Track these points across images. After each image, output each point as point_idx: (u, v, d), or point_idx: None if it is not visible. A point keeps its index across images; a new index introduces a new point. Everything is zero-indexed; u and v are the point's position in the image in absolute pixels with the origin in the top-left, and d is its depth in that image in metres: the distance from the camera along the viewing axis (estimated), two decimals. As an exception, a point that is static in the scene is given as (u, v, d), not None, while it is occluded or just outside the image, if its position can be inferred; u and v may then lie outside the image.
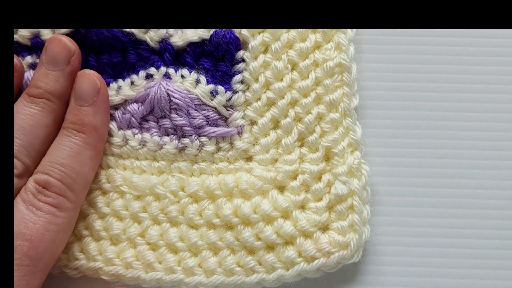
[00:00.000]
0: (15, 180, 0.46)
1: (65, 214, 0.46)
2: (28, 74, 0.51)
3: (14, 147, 0.46)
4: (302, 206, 0.51)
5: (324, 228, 0.50)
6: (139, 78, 0.51)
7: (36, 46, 0.51)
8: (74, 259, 0.51)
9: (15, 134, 0.46)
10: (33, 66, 0.51)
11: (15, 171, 0.46)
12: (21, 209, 0.45)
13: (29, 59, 0.52)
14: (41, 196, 0.46)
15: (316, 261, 0.49)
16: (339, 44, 0.51)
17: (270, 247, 0.50)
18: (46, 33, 0.51)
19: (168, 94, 0.50)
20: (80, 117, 0.48)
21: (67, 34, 0.51)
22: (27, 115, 0.47)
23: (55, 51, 0.48)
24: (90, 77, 0.49)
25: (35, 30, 0.51)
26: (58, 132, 0.49)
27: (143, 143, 0.51)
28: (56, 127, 0.49)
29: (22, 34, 0.51)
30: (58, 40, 0.49)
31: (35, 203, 0.46)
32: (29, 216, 0.45)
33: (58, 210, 0.46)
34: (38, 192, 0.46)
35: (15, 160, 0.46)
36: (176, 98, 0.50)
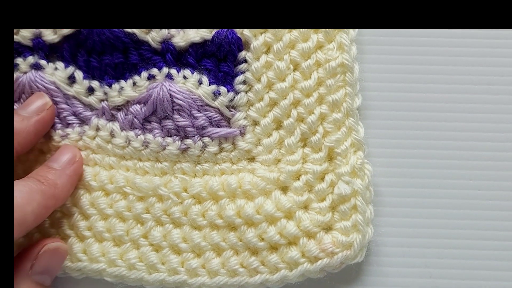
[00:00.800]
0: None
1: None
2: (30, 75, 0.51)
3: None
4: (305, 207, 0.51)
5: (328, 228, 0.50)
6: (141, 79, 0.51)
7: (38, 47, 0.51)
8: (77, 260, 0.51)
9: None
10: (34, 66, 0.51)
11: None
12: None
13: (30, 59, 0.51)
14: None
15: (319, 262, 0.50)
16: (341, 44, 0.50)
17: (274, 247, 0.50)
18: (47, 34, 0.51)
19: (170, 95, 0.50)
20: (46, 173, 0.49)
21: (69, 34, 0.51)
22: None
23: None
24: (72, 150, 0.51)
25: (36, 30, 0.51)
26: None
27: (145, 144, 0.51)
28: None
29: (24, 35, 0.51)
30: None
31: None
32: None
33: None
34: None
35: None
36: (178, 99, 0.50)
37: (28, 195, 0.47)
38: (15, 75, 0.51)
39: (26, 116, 0.49)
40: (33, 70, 0.51)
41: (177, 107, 0.50)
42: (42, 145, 0.52)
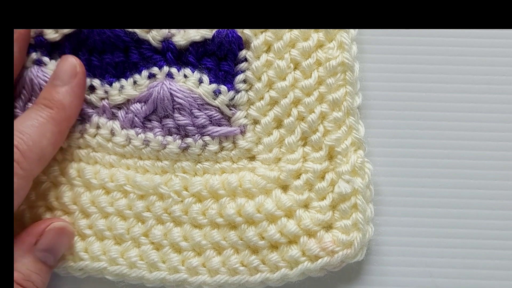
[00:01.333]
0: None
1: (14, 179, 0.46)
2: (33, 70, 0.51)
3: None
4: (306, 205, 0.51)
5: (328, 227, 0.51)
6: (141, 78, 0.51)
7: (40, 44, 0.51)
8: (79, 259, 0.51)
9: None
10: (37, 62, 0.51)
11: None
12: None
13: (34, 55, 0.51)
14: None
15: (320, 260, 0.50)
16: (342, 43, 0.51)
17: (274, 246, 0.50)
18: (49, 32, 0.51)
19: (171, 93, 0.50)
20: (52, 94, 0.49)
21: (70, 33, 0.51)
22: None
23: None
24: (71, 61, 0.50)
25: (38, 29, 0.51)
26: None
27: (146, 142, 0.51)
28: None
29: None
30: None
31: None
32: None
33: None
34: None
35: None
36: (179, 98, 0.50)
37: (40, 128, 0.48)
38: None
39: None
40: (35, 66, 0.51)
41: (178, 106, 0.50)
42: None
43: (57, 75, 0.50)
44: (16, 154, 0.46)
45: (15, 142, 0.46)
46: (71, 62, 0.50)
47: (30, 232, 0.48)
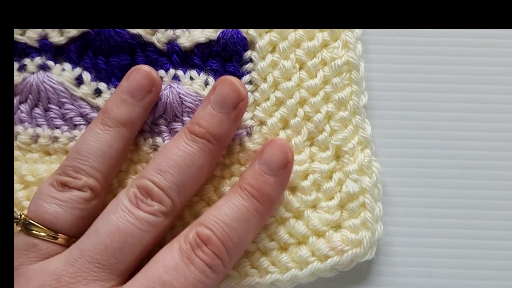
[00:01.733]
0: (162, 218, 0.44)
1: (216, 277, 0.44)
2: (38, 75, 0.51)
3: (167, 183, 0.45)
4: (314, 206, 0.51)
5: (337, 226, 0.50)
6: (148, 81, 0.51)
7: (44, 48, 0.51)
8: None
9: (170, 171, 0.45)
10: (42, 67, 0.51)
11: (163, 209, 0.44)
12: (176, 258, 0.43)
13: (38, 60, 0.51)
14: (199, 251, 0.43)
15: (329, 260, 0.49)
16: (347, 42, 0.51)
17: (283, 247, 0.50)
18: (54, 35, 0.51)
19: (180, 97, 0.50)
20: (261, 184, 0.45)
21: (75, 37, 0.51)
22: (185, 153, 0.45)
23: (225, 93, 0.46)
24: (283, 148, 0.47)
25: (42, 31, 0.51)
26: (209, 175, 0.48)
27: (154, 147, 0.51)
28: (210, 169, 0.47)
29: (30, 36, 0.51)
30: (230, 82, 0.47)
31: (192, 256, 0.43)
32: (182, 269, 0.42)
33: (211, 271, 0.43)
34: (197, 246, 0.43)
35: (165, 197, 0.45)
36: (187, 101, 0.50)
37: (246, 223, 0.45)
38: (23, 75, 0.51)
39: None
40: (41, 71, 0.51)
41: (187, 109, 0.50)
42: (48, 148, 0.52)
43: (266, 162, 0.46)
44: (222, 252, 0.44)
45: (221, 237, 0.44)
46: (284, 149, 0.47)
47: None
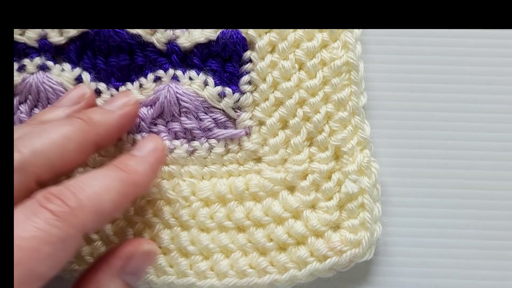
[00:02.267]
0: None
1: (63, 226, 0.41)
2: (38, 76, 0.51)
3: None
4: (313, 206, 0.51)
5: (335, 227, 0.50)
6: (148, 81, 0.51)
7: (44, 48, 0.51)
8: (85, 263, 0.50)
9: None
10: (41, 67, 0.51)
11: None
12: (23, 211, 0.42)
13: (37, 60, 0.51)
14: (48, 203, 0.42)
15: (328, 260, 0.49)
16: (346, 43, 0.51)
17: (282, 247, 0.50)
18: (53, 35, 0.51)
19: (177, 97, 0.50)
20: (127, 157, 0.47)
21: (75, 36, 0.51)
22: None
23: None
24: (156, 137, 0.49)
25: (42, 31, 0.51)
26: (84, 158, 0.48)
27: (153, 147, 0.51)
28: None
29: (29, 36, 0.51)
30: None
31: (38, 208, 0.42)
32: (29, 218, 0.41)
33: (56, 219, 0.41)
34: (47, 200, 0.42)
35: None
36: (185, 102, 0.50)
37: (105, 182, 0.44)
38: (22, 75, 0.51)
39: (110, 110, 0.48)
40: (40, 71, 0.51)
41: (184, 109, 0.50)
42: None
43: (138, 147, 0.48)
44: (71, 201, 0.42)
45: (72, 189, 0.43)
46: (157, 141, 0.49)
47: (118, 255, 0.46)
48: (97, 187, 0.43)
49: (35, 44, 0.51)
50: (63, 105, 0.49)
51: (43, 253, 0.40)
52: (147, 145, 0.48)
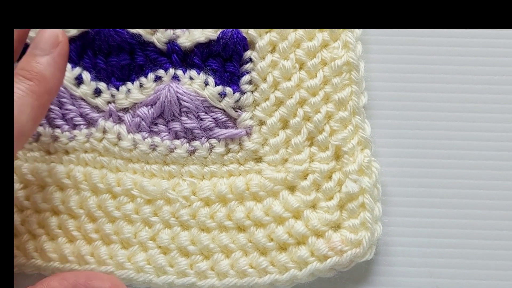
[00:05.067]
0: None
1: None
2: None
3: None
4: (313, 206, 0.51)
5: (336, 227, 0.50)
6: (148, 81, 0.51)
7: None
8: (85, 263, 0.50)
9: None
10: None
11: None
12: None
13: None
14: None
15: (328, 260, 0.49)
16: (347, 43, 0.51)
17: (283, 247, 0.50)
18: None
19: (177, 97, 0.50)
20: (32, 65, 0.46)
21: (76, 36, 0.51)
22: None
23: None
24: (54, 31, 0.47)
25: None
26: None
27: (153, 147, 0.51)
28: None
29: (30, 36, 0.51)
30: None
31: None
32: None
33: None
34: None
35: None
36: (185, 101, 0.50)
37: (18, 102, 0.44)
38: None
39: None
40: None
41: (185, 109, 0.50)
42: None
43: (36, 44, 0.46)
44: None
45: None
46: (52, 31, 0.47)
47: (86, 283, 0.47)
48: (16, 111, 0.44)
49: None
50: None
51: None
52: (47, 39, 0.46)
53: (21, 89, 0.45)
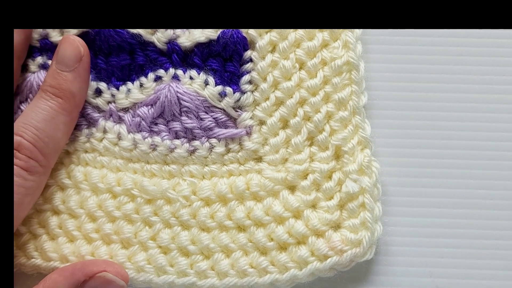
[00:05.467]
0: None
1: (35, 178, 0.47)
2: (40, 75, 0.51)
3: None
4: (313, 205, 0.51)
5: (336, 226, 0.50)
6: (148, 81, 0.51)
7: (45, 47, 0.51)
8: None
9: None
10: (43, 66, 0.51)
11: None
12: None
13: (39, 59, 0.51)
14: (16, 159, 0.46)
15: (329, 260, 0.49)
16: (347, 42, 0.51)
17: (283, 247, 0.50)
18: (54, 35, 0.51)
19: (178, 97, 0.50)
20: (59, 82, 0.48)
21: (77, 35, 0.51)
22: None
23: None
24: (74, 43, 0.49)
25: (43, 31, 0.51)
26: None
27: (153, 147, 0.51)
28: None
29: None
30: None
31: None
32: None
33: (28, 173, 0.46)
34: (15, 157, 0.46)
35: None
36: (185, 101, 0.50)
37: (53, 121, 0.48)
38: (24, 75, 0.51)
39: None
40: (41, 70, 0.51)
41: (185, 109, 0.50)
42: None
43: (61, 59, 0.49)
44: (34, 153, 0.46)
45: (31, 139, 0.46)
46: (74, 44, 0.49)
47: (83, 269, 0.47)
48: (50, 130, 0.47)
49: (37, 44, 0.51)
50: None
51: (25, 203, 0.47)
52: (70, 55, 0.49)
53: (53, 108, 0.48)
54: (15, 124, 0.47)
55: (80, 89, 0.49)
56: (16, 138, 0.46)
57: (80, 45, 0.49)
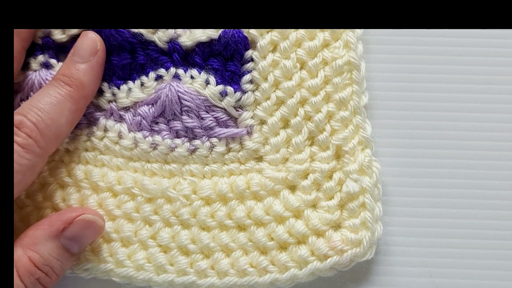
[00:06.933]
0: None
1: (30, 157, 0.46)
2: (41, 73, 0.51)
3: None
4: (314, 205, 0.51)
5: (336, 226, 0.50)
6: (149, 80, 0.51)
7: (47, 46, 0.51)
8: (85, 260, 0.50)
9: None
10: (45, 65, 0.51)
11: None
12: None
13: (41, 58, 0.51)
14: (14, 135, 0.46)
15: (329, 260, 0.49)
16: (348, 42, 0.51)
17: (283, 247, 0.50)
18: (56, 33, 0.51)
19: (178, 96, 0.50)
20: (72, 71, 0.49)
21: (77, 35, 0.51)
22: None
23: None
24: (92, 38, 0.50)
25: (45, 29, 0.51)
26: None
27: (153, 145, 0.51)
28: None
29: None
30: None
31: None
32: None
33: (24, 151, 0.46)
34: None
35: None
36: (186, 101, 0.50)
37: (58, 106, 0.48)
38: (25, 73, 0.51)
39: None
40: (43, 69, 0.51)
41: (186, 108, 0.50)
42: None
43: (77, 51, 0.50)
44: (34, 132, 0.46)
45: (33, 119, 0.46)
46: (92, 38, 0.50)
47: (60, 217, 0.48)
48: (54, 114, 0.47)
49: (39, 41, 0.51)
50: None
51: (15, 182, 0.46)
52: (86, 48, 0.50)
53: (61, 94, 0.48)
54: (21, 106, 0.48)
55: (91, 81, 0.49)
56: (18, 117, 0.46)
57: (98, 40, 0.50)
